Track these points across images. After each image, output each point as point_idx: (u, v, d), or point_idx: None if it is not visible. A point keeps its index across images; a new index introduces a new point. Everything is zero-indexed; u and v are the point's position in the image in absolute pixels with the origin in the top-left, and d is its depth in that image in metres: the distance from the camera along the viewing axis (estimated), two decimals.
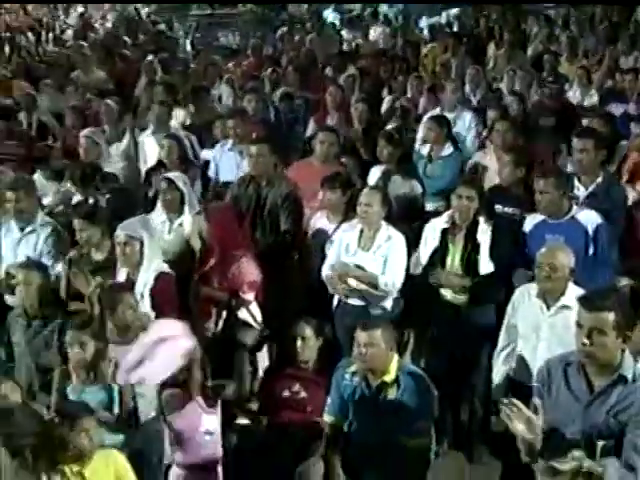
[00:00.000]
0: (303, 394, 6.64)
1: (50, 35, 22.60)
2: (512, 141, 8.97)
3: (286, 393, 6.62)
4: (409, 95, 12.29)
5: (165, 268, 7.11)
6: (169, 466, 6.14)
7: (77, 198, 8.69)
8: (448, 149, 9.46)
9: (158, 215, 8.05)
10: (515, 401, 4.54)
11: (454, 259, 7.17)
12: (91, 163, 9.28)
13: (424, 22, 19.91)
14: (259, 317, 7.49)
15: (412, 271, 7.51)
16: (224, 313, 6.75)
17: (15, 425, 3.84)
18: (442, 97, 11.14)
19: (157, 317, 6.66)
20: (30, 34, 22.08)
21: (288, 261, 8.23)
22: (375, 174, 9.01)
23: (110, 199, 8.43)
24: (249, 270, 7.45)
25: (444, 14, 20.46)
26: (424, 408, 6.10)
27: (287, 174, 8.93)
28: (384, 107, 12.20)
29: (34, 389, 6.65)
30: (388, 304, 7.41)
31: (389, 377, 6.05)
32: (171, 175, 8.20)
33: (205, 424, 6.02)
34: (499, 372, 6.64)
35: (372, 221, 7.43)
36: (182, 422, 5.99)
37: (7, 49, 18.98)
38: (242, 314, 7.42)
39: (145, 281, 6.91)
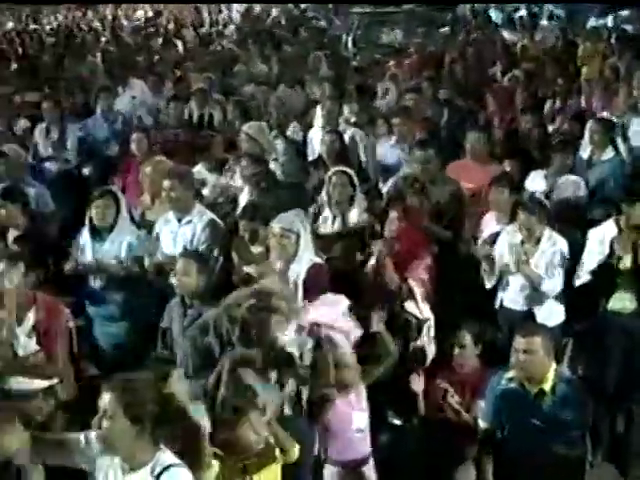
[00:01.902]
0: (457, 398, 6.56)
1: (213, 30, 23.04)
2: None
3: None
4: (583, 97, 12.07)
5: (317, 259, 7.11)
6: (323, 464, 6.14)
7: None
8: (609, 153, 9.26)
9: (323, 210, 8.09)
10: None
11: (626, 268, 7.01)
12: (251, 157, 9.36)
13: (591, 23, 19.52)
14: (426, 312, 7.41)
15: (575, 278, 7.36)
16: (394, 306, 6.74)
17: (135, 395, 4.10)
18: (613, 101, 10.88)
19: None
20: (191, 28, 22.61)
21: (451, 260, 8.13)
22: (535, 178, 8.89)
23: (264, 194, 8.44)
24: (422, 266, 7.49)
25: (611, 16, 20.03)
26: (579, 417, 5.99)
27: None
28: (546, 109, 12.02)
29: (189, 375, 6.75)
30: (550, 309, 7.33)
31: (546, 385, 5.94)
32: (348, 170, 8.17)
33: (355, 421, 6.00)
34: None
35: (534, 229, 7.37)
36: (334, 419, 5.99)
37: (179, 43, 19.45)
38: (409, 306, 7.37)
39: (297, 272, 6.93)
